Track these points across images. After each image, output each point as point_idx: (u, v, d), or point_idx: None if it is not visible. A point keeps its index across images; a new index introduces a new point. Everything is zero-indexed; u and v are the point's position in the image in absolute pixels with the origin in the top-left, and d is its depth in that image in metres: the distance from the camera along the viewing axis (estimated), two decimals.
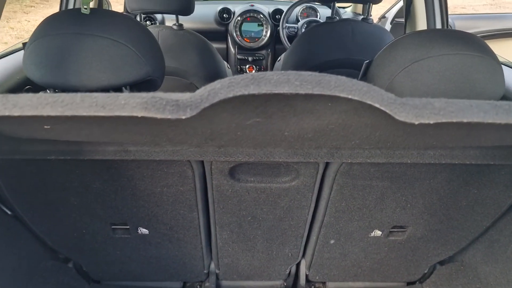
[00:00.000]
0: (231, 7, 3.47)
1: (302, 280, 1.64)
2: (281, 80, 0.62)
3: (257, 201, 1.26)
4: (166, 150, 1.06)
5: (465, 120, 0.58)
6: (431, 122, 0.58)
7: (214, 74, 2.11)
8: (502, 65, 1.83)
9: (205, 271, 1.59)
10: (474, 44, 1.03)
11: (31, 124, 0.80)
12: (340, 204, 1.26)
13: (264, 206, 1.28)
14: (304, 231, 1.40)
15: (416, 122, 0.58)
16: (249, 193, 1.24)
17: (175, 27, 2.08)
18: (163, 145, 1.04)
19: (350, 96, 0.60)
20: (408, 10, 2.33)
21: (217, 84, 0.60)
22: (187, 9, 1.98)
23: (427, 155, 1.07)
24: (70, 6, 2.21)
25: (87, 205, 1.27)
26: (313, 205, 1.29)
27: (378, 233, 1.40)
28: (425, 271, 1.62)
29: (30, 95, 0.59)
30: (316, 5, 3.42)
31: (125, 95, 0.58)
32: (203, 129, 0.79)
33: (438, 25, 2.24)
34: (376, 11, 3.94)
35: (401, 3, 3.41)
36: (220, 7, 3.47)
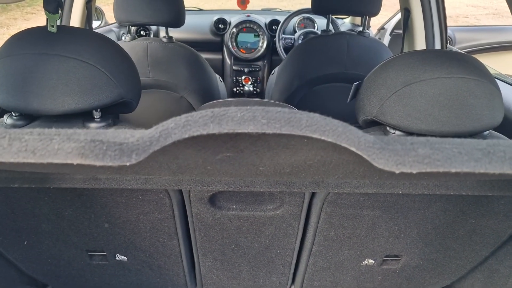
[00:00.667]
0: (227, 17, 3.41)
1: None
2: (246, 118, 0.54)
3: (241, 229, 1.19)
4: (139, 178, 0.98)
5: (453, 170, 0.50)
6: (414, 171, 0.50)
7: (205, 87, 2.04)
8: (505, 83, 1.75)
9: None
10: (470, 67, 0.96)
11: None
12: (329, 233, 1.18)
13: (248, 235, 1.20)
14: (292, 259, 1.32)
15: (397, 171, 0.51)
16: (231, 221, 1.16)
17: (164, 39, 2.01)
18: (133, 174, 0.97)
19: (323, 138, 0.52)
20: (406, 23, 2.26)
21: (170, 123, 0.53)
22: (177, 21, 1.92)
23: (420, 185, 1.00)
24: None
25: (60, 231, 1.20)
26: (300, 234, 1.21)
27: (370, 262, 1.32)
28: None
29: None
30: (314, 16, 3.36)
31: (61, 138, 0.50)
32: (168, 164, 0.72)
33: (437, 39, 2.18)
34: (377, 20, 3.87)
35: (400, 15, 3.35)
36: (215, 17, 3.41)
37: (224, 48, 3.42)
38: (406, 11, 2.25)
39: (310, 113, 0.55)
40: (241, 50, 3.34)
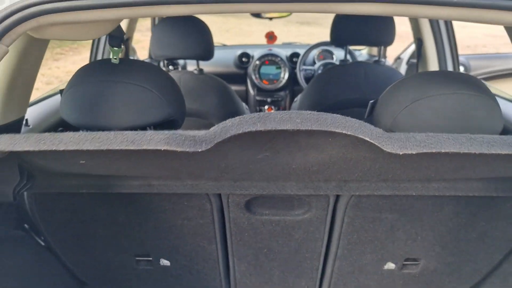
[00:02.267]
0: (250, 51, 3.65)
1: None
2: (284, 119, 0.71)
3: (272, 233, 1.33)
4: (186, 184, 1.15)
5: (442, 151, 0.65)
6: (414, 152, 0.66)
7: (233, 115, 2.22)
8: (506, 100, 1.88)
9: None
10: (471, 84, 1.11)
11: (69, 159, 0.91)
12: (352, 236, 1.31)
13: (279, 238, 1.35)
14: (319, 263, 1.44)
15: (401, 153, 0.66)
16: (265, 225, 1.31)
17: (195, 71, 2.22)
18: (183, 179, 1.13)
19: (344, 132, 0.68)
20: (419, 52, 2.43)
21: (228, 122, 0.70)
22: (207, 55, 2.12)
23: (431, 188, 1.13)
24: (100, 53, 2.40)
25: (113, 237, 1.36)
26: (326, 238, 1.34)
27: (391, 265, 1.43)
28: None
29: (72, 133, 0.70)
30: (332, 48, 3.56)
31: (151, 132, 0.68)
32: (219, 163, 0.89)
33: (449, 65, 2.33)
34: (394, 51, 4.04)
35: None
36: (239, 51, 3.65)
37: (248, 80, 3.63)
38: (419, 41, 2.42)
39: (334, 114, 0.71)
40: (263, 81, 3.55)
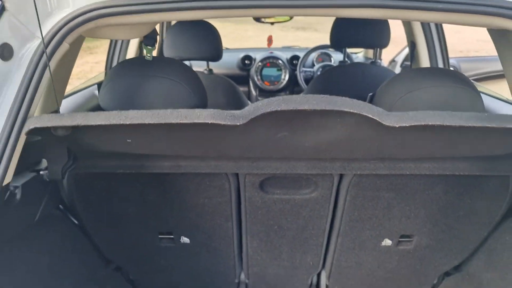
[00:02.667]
0: (252, 54, 3.83)
1: None
2: (303, 101, 0.89)
3: (283, 211, 1.50)
4: (210, 165, 1.32)
5: (429, 123, 0.83)
6: (407, 125, 0.84)
7: None
8: (500, 100, 2.08)
9: (236, 281, 1.80)
10: (456, 78, 1.30)
11: (118, 138, 1.08)
12: (353, 214, 1.49)
13: (289, 216, 1.52)
14: (324, 240, 1.61)
15: (397, 125, 0.84)
16: (276, 203, 1.48)
17: (205, 71, 2.40)
18: (208, 160, 1.31)
19: (351, 110, 0.86)
20: (412, 54, 2.62)
21: (259, 103, 0.88)
22: (216, 56, 2.30)
23: (423, 167, 1.31)
24: (116, 54, 2.58)
25: (141, 216, 1.53)
26: (330, 215, 1.52)
27: (388, 242, 1.60)
28: (434, 282, 1.80)
29: (135, 111, 0.88)
30: (330, 51, 3.75)
31: (199, 110, 0.86)
32: (244, 141, 1.06)
33: (440, 66, 2.52)
34: (388, 55, 4.24)
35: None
36: (242, 54, 3.84)
37: (250, 81, 3.82)
38: (412, 44, 2.62)
39: (343, 97, 0.89)
40: (265, 82, 3.73)
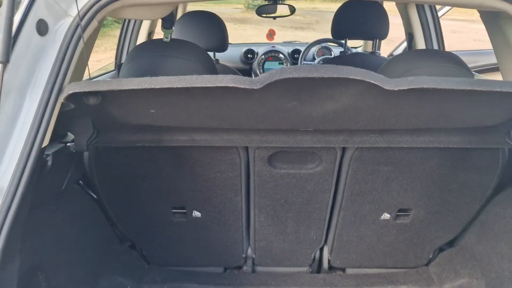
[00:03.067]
0: (254, 48, 3.94)
1: (325, 265, 1.94)
2: (313, 70, 1.00)
3: (289, 185, 1.61)
4: (222, 139, 1.43)
5: (425, 86, 0.94)
6: (405, 88, 0.94)
7: None
8: None
9: (243, 255, 1.91)
10: (450, 58, 1.41)
11: (144, 108, 1.19)
12: (355, 187, 1.59)
13: (294, 190, 1.62)
14: (326, 214, 1.72)
15: (396, 89, 0.95)
16: (283, 178, 1.59)
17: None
18: (220, 134, 1.41)
19: (356, 77, 0.97)
20: (410, 45, 2.74)
21: (273, 71, 0.99)
22: (222, 47, 2.40)
23: (419, 141, 1.42)
24: (126, 48, 2.68)
25: (156, 190, 1.63)
26: (333, 189, 1.62)
27: (387, 216, 1.71)
28: (430, 256, 1.90)
29: (162, 77, 0.99)
30: (330, 45, 3.86)
31: (221, 76, 0.96)
32: (258, 110, 1.17)
33: None
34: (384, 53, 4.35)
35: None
36: (245, 48, 3.94)
37: (253, 74, 3.92)
38: (410, 35, 2.73)
39: (349, 67, 1.00)
40: None
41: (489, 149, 1.49)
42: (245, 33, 13.17)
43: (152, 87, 0.98)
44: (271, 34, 4.10)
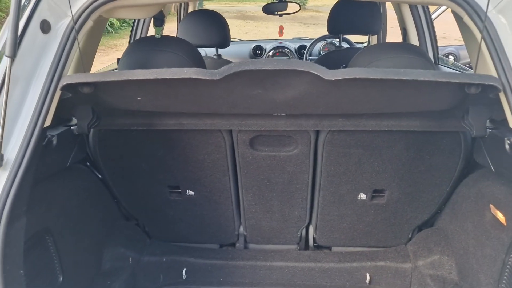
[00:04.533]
0: (263, 44, 4.12)
1: (311, 243, 2.10)
2: (267, 62, 1.17)
3: (270, 167, 1.78)
4: (206, 123, 1.61)
5: (357, 76, 1.10)
6: (340, 78, 1.11)
7: None
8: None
9: (235, 233, 2.09)
10: (411, 50, 1.54)
11: (131, 96, 1.38)
12: (330, 169, 1.75)
13: (276, 171, 1.79)
14: (308, 194, 1.88)
15: (333, 79, 1.11)
16: (264, 159, 1.76)
17: (215, 57, 2.70)
18: (204, 119, 1.59)
19: (301, 69, 1.14)
20: (404, 39, 2.85)
21: (232, 64, 1.17)
22: (224, 43, 2.58)
23: (383, 125, 1.57)
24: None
25: (153, 170, 1.83)
26: (311, 170, 1.78)
27: (363, 196, 1.86)
28: (410, 236, 2.04)
29: (140, 70, 1.18)
30: (335, 41, 3.99)
31: (186, 69, 1.15)
32: (228, 98, 1.35)
33: (430, 49, 2.73)
34: None
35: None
36: (253, 45, 4.13)
37: None
38: (404, 30, 2.84)
39: (298, 60, 1.17)
40: None
41: (450, 133, 1.62)
42: (267, 30, 13.35)
43: (129, 78, 1.18)
44: (281, 30, 4.28)
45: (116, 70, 1.69)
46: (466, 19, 1.29)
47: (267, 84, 1.30)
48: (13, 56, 1.15)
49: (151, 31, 2.98)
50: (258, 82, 1.29)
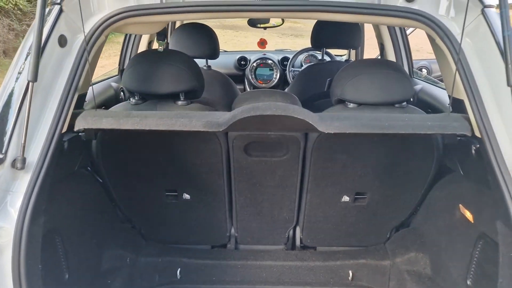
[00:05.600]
0: (247, 56, 4.28)
1: (298, 243, 2.25)
2: (266, 108, 1.36)
3: (262, 171, 1.92)
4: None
5: (348, 131, 1.30)
6: (333, 132, 1.29)
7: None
8: (432, 85, 2.53)
9: (227, 234, 2.22)
10: (390, 66, 1.73)
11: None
12: (317, 173, 1.91)
13: (267, 175, 1.94)
14: (296, 196, 2.03)
15: (326, 132, 1.30)
16: (257, 164, 1.90)
17: (205, 67, 2.84)
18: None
19: (298, 117, 1.33)
20: (382, 53, 3.06)
21: (235, 112, 1.34)
22: (214, 55, 2.73)
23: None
24: (129, 50, 3.01)
25: (151, 175, 1.95)
26: (300, 174, 1.94)
27: (346, 198, 2.02)
28: (388, 236, 2.21)
29: (154, 119, 1.33)
30: (317, 53, 4.19)
31: (196, 120, 1.32)
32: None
33: (405, 63, 2.95)
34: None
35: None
36: (238, 56, 4.29)
37: (245, 80, 4.26)
38: (381, 45, 3.06)
39: (296, 107, 1.35)
40: (259, 81, 4.18)
41: (424, 141, 1.80)
42: (246, 40, 13.58)
43: (142, 128, 1.35)
44: (262, 43, 4.45)
45: (128, 104, 1.82)
46: (438, 41, 1.48)
47: (266, 122, 1.50)
48: (34, 81, 1.25)
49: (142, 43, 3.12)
50: (257, 122, 1.48)
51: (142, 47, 3.10)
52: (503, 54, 1.26)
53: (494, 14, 1.38)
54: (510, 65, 1.24)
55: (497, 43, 1.33)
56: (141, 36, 3.10)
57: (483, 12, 1.38)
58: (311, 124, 1.41)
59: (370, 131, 1.42)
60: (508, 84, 1.25)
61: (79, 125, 1.44)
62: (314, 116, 1.43)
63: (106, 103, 2.48)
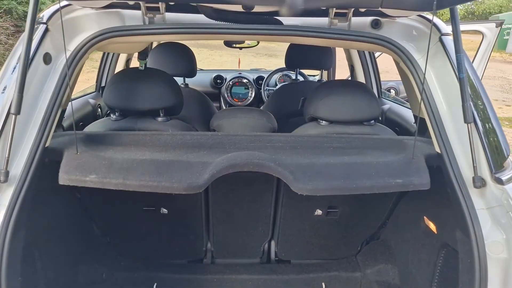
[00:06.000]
0: (223, 74, 4.39)
1: (273, 256, 2.31)
2: (242, 165, 1.45)
3: (239, 186, 1.99)
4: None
5: (323, 194, 1.44)
6: (308, 194, 1.40)
7: (210, 119, 2.91)
8: (399, 104, 2.68)
9: (203, 248, 2.26)
10: (358, 87, 1.85)
11: None
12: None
13: (244, 189, 2.01)
14: (271, 210, 2.10)
15: (299, 193, 1.43)
16: (234, 179, 1.96)
17: (182, 85, 2.91)
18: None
19: (274, 172, 1.44)
20: (352, 74, 3.22)
21: (211, 168, 1.44)
22: (191, 73, 2.81)
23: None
24: (106, 68, 3.05)
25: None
26: (275, 189, 2.02)
27: (319, 212, 2.11)
28: (359, 248, 2.31)
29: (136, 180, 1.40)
30: (291, 73, 4.34)
31: (177, 181, 1.42)
32: None
33: (374, 83, 3.10)
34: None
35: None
36: (214, 74, 4.38)
37: (221, 98, 4.35)
38: (351, 67, 3.21)
39: (269, 163, 1.44)
40: (234, 99, 4.27)
41: None
42: (221, 59, 13.74)
43: (125, 189, 1.45)
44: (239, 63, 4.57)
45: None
46: (402, 64, 1.60)
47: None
48: (17, 113, 1.29)
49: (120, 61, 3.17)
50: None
51: (120, 65, 3.16)
52: (456, 76, 1.40)
53: (449, 40, 1.52)
54: (464, 85, 1.38)
55: (453, 66, 1.47)
56: (119, 54, 3.16)
57: (440, 40, 1.52)
58: (286, 180, 1.55)
59: (342, 193, 1.66)
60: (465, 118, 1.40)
61: (63, 180, 1.48)
62: (289, 176, 1.54)
63: (84, 120, 2.52)
